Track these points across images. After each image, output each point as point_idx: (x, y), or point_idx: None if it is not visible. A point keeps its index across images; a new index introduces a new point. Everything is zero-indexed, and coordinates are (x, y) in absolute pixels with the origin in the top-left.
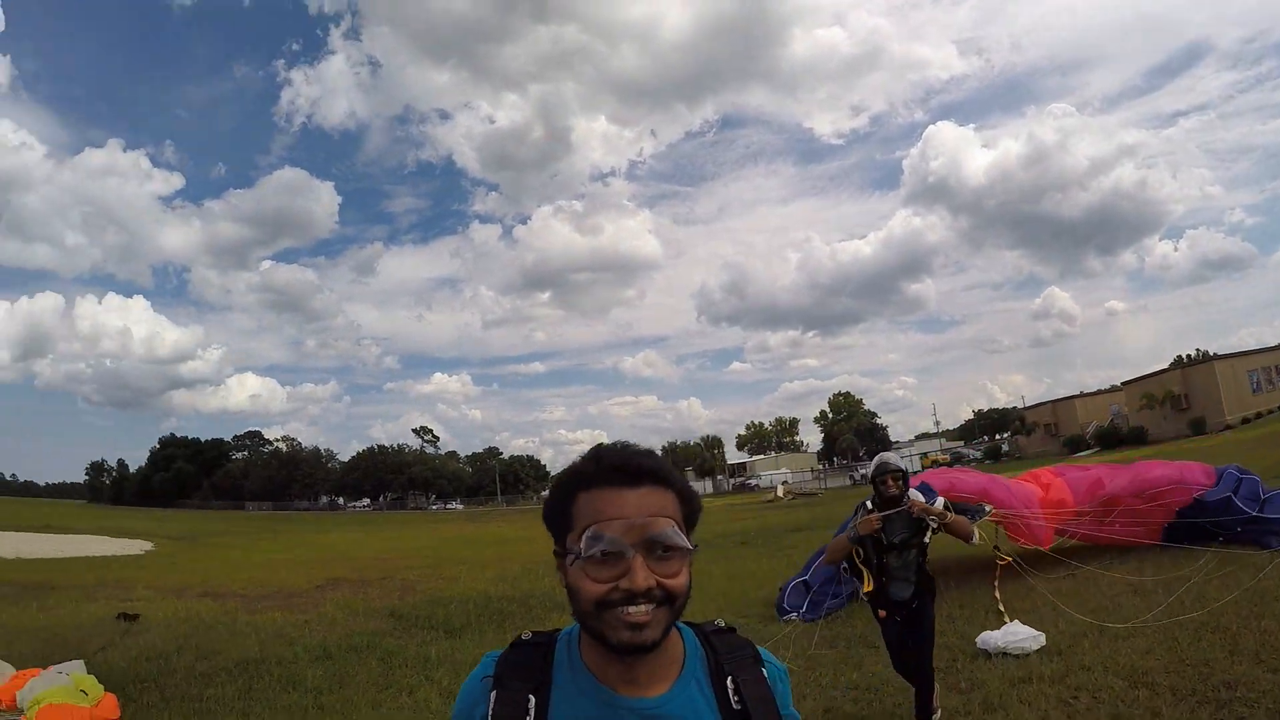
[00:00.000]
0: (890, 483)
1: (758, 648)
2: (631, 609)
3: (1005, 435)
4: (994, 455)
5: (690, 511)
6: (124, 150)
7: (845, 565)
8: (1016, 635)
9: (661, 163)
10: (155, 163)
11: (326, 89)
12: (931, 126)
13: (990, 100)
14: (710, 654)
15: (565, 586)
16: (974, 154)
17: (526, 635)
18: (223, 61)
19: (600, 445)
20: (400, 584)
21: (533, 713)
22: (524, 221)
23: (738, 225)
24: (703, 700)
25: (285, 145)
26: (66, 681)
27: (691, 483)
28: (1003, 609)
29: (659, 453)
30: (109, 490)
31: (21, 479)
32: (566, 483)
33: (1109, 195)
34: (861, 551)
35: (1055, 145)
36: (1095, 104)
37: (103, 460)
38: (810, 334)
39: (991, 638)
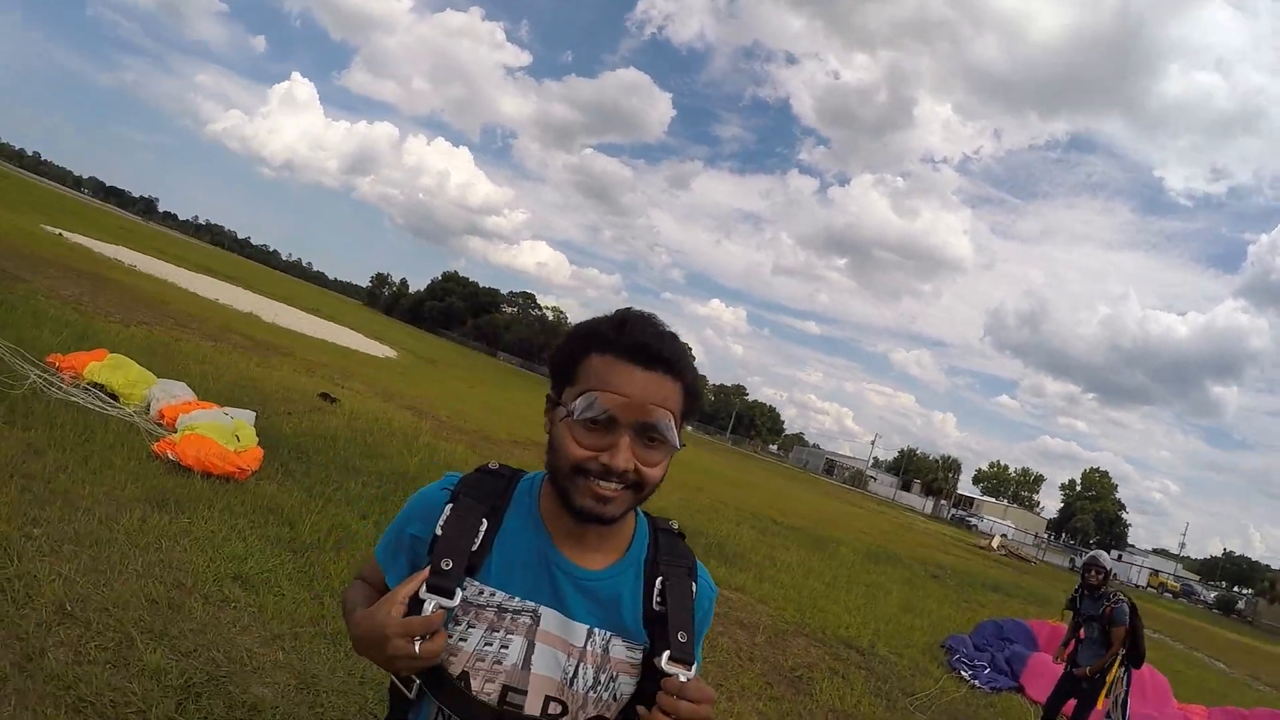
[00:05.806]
0: (1093, 573)
1: (699, 564)
2: (603, 483)
3: (1247, 592)
4: (1226, 608)
5: (691, 406)
6: (483, 19)
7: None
8: None
9: (997, 165)
10: (509, 37)
11: (682, 6)
12: None
13: None
14: (653, 549)
15: (548, 434)
16: None
17: (494, 465)
18: None
19: (630, 312)
20: None
21: (481, 535)
22: (843, 183)
23: (1056, 255)
24: (632, 588)
25: (631, 48)
26: (227, 423)
27: (915, 498)
28: None
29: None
30: (385, 301)
31: (315, 268)
32: (584, 338)
33: None
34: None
35: None
36: None
37: (388, 274)
38: (1090, 396)
39: None
